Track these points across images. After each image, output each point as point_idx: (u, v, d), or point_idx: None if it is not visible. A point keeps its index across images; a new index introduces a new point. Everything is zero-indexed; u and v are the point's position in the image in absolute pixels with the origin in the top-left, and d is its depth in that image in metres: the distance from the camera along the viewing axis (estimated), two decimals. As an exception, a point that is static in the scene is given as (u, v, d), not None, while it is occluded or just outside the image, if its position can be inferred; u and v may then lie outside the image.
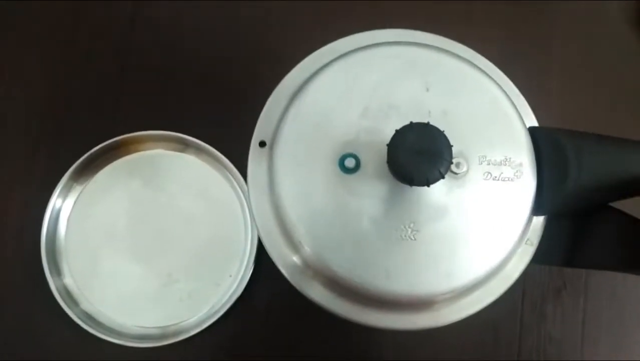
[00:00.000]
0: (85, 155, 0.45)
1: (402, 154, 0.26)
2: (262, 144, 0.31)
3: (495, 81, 0.32)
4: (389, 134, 0.26)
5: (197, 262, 0.45)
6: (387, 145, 0.26)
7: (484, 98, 0.31)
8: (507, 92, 0.32)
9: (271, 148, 0.30)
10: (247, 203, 0.45)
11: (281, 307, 0.45)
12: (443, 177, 0.26)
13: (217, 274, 0.45)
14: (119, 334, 0.43)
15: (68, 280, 0.44)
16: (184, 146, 0.46)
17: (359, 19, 0.50)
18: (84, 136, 0.46)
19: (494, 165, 0.30)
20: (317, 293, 0.30)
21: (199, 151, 0.46)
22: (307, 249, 0.29)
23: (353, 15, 0.51)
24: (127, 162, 0.46)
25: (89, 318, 0.43)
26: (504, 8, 0.52)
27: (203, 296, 0.44)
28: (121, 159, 0.46)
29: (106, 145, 0.45)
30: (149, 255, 0.45)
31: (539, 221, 0.32)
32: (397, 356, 0.45)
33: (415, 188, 0.28)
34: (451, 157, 0.26)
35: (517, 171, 0.30)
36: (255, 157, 0.31)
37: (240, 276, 0.44)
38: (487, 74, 0.32)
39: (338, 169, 0.29)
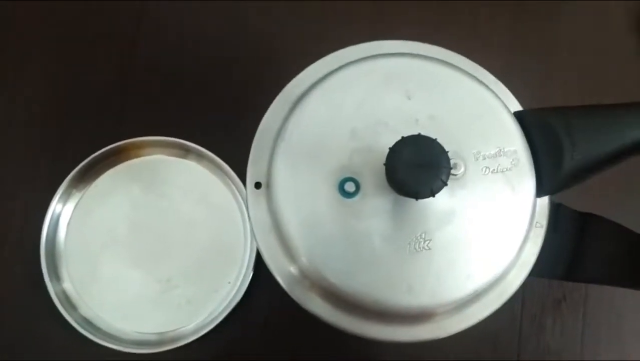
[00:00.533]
0: (86, 160, 0.45)
1: (401, 171, 0.26)
2: (257, 185, 0.31)
3: (471, 75, 0.32)
4: (382, 150, 0.26)
5: (197, 268, 0.45)
6: (385, 164, 0.26)
7: (465, 94, 0.31)
8: (486, 83, 0.32)
9: (268, 188, 0.30)
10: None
11: (280, 314, 0.45)
12: (446, 185, 0.26)
13: (216, 281, 0.44)
14: (117, 339, 0.43)
15: (67, 285, 0.44)
16: (185, 152, 0.47)
17: (361, 27, 0.50)
18: (86, 140, 0.46)
19: (490, 158, 0.30)
20: (327, 312, 0.30)
21: (199, 157, 0.46)
22: (328, 281, 0.28)
23: (355, 22, 0.51)
24: (128, 167, 0.46)
25: (88, 323, 0.43)
26: (508, 15, 0.52)
27: (202, 302, 0.44)
28: (122, 164, 0.46)
29: (107, 150, 0.45)
30: (149, 261, 0.45)
31: (544, 202, 0.32)
32: (396, 364, 0.45)
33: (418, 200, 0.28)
34: (449, 163, 0.26)
35: (513, 159, 0.30)
36: (254, 200, 0.31)
37: (239, 283, 0.44)
38: (462, 70, 0.32)
39: (339, 195, 0.29)
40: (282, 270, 0.30)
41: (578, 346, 0.46)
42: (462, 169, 0.30)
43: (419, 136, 0.26)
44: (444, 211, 0.29)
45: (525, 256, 0.31)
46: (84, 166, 0.45)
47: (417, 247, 0.29)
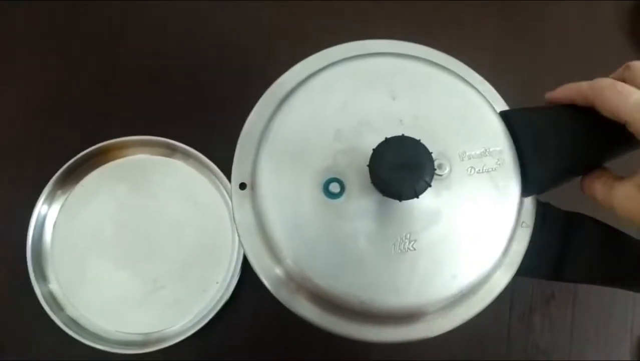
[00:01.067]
0: (72, 160, 0.45)
1: (384, 172, 0.26)
2: (242, 186, 0.30)
3: (457, 74, 0.32)
4: (366, 151, 0.26)
5: (184, 268, 0.44)
6: (368, 165, 0.26)
7: (450, 93, 0.31)
8: (472, 82, 0.32)
9: (252, 189, 0.30)
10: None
11: (267, 314, 0.45)
12: (430, 186, 0.26)
13: (203, 281, 0.44)
14: (103, 340, 0.43)
15: (53, 286, 0.44)
16: (171, 151, 0.46)
17: (347, 27, 0.50)
18: (71, 140, 0.46)
19: (475, 158, 0.30)
20: (313, 314, 0.30)
21: (186, 156, 0.46)
22: (313, 283, 0.28)
23: (342, 22, 0.51)
24: (114, 167, 0.46)
25: (74, 323, 0.43)
26: (494, 14, 0.52)
27: (189, 303, 0.44)
28: (108, 164, 0.46)
29: (93, 150, 0.45)
30: (135, 261, 0.44)
31: (530, 202, 0.32)
32: (384, 362, 0.45)
33: (403, 201, 0.28)
34: (433, 164, 0.26)
35: (498, 159, 0.30)
36: (239, 201, 0.30)
37: (226, 283, 0.44)
38: (448, 69, 0.32)
39: (324, 196, 0.29)
40: (267, 272, 0.30)
41: (567, 345, 0.46)
42: (447, 170, 0.29)
43: (402, 136, 0.26)
44: (429, 211, 0.29)
45: (511, 255, 0.31)
46: (69, 166, 0.45)
47: (402, 248, 0.29)
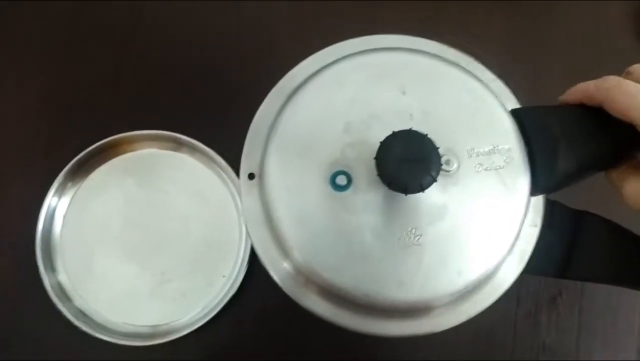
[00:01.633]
0: (81, 154, 0.45)
1: (391, 165, 0.26)
2: (251, 176, 0.31)
3: (468, 71, 0.31)
4: (374, 144, 0.26)
5: (191, 261, 0.45)
6: (375, 158, 0.26)
7: (461, 90, 0.31)
8: (483, 80, 0.31)
9: (261, 179, 0.30)
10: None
11: (274, 307, 0.45)
12: (436, 180, 0.26)
13: (210, 274, 0.45)
14: (111, 332, 0.43)
15: (62, 277, 0.44)
16: (178, 146, 0.46)
17: (355, 24, 0.50)
18: (80, 135, 0.46)
19: (484, 155, 0.30)
20: (321, 308, 0.30)
21: (193, 150, 0.46)
22: (318, 274, 0.28)
23: (350, 19, 0.51)
24: (122, 161, 0.46)
25: (82, 315, 0.44)
26: (504, 10, 0.52)
27: (196, 296, 0.44)
28: (116, 158, 0.46)
29: (101, 144, 0.45)
30: (143, 254, 0.45)
31: (538, 201, 0.32)
32: (391, 360, 0.45)
33: (409, 195, 0.27)
34: (440, 158, 0.26)
35: (507, 157, 0.30)
36: (247, 192, 0.31)
37: (234, 277, 0.44)
38: (459, 65, 0.31)
39: (330, 188, 0.29)
40: (274, 263, 0.30)
41: (573, 343, 0.45)
42: (455, 166, 0.29)
43: (410, 130, 0.26)
44: (435, 206, 0.29)
45: (518, 254, 0.31)
46: (78, 160, 0.45)
47: (407, 242, 0.28)
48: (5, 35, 0.50)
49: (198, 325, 0.43)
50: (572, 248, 0.36)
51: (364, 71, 0.31)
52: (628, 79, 0.29)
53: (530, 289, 0.46)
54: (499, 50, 0.50)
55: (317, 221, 0.29)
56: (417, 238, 0.29)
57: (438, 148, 0.26)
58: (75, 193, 0.46)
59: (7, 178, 0.47)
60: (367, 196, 0.29)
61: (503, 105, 0.31)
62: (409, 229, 0.29)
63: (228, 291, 0.44)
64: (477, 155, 0.30)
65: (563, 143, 0.30)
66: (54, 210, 0.45)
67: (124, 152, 0.46)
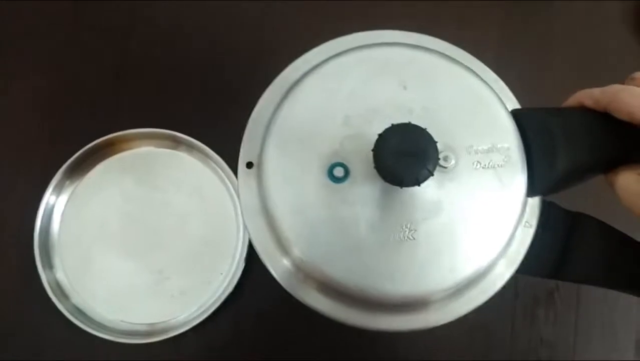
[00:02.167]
0: (79, 152, 0.45)
1: (388, 158, 0.26)
2: (249, 165, 0.31)
3: (471, 69, 0.32)
4: (373, 138, 0.26)
5: (189, 259, 0.45)
6: (372, 150, 0.26)
7: (462, 88, 0.31)
8: (485, 79, 0.32)
9: (259, 168, 0.30)
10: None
11: (271, 305, 0.45)
12: (432, 175, 0.26)
13: (208, 272, 0.45)
14: (108, 329, 0.43)
15: (60, 275, 0.45)
16: (176, 144, 0.47)
17: (355, 22, 0.50)
18: (78, 133, 0.47)
19: (482, 153, 0.30)
20: (314, 300, 0.30)
21: (191, 148, 0.46)
22: (312, 265, 0.28)
23: (349, 17, 0.51)
24: (120, 159, 0.46)
25: (80, 312, 0.44)
26: (501, 9, 0.52)
27: (194, 294, 0.44)
28: (114, 156, 0.46)
29: (100, 142, 0.46)
30: (141, 252, 0.45)
31: (534, 202, 0.32)
32: (389, 356, 0.45)
33: (406, 188, 0.27)
34: (437, 153, 0.26)
35: (505, 156, 0.30)
36: (244, 179, 0.31)
37: (231, 275, 0.44)
38: (461, 64, 0.32)
39: (328, 180, 0.29)
40: (270, 255, 0.30)
41: (571, 337, 0.45)
42: (453, 162, 0.29)
43: (408, 124, 0.26)
44: (431, 202, 0.29)
45: (512, 254, 0.31)
46: (77, 157, 0.45)
47: (401, 237, 0.29)
48: (6, 34, 0.51)
49: (195, 322, 0.43)
50: (565, 250, 0.36)
51: (366, 65, 0.31)
52: (631, 84, 0.29)
53: (527, 283, 0.46)
54: (495, 48, 0.50)
55: (314, 211, 0.29)
56: (411, 233, 0.29)
57: (436, 143, 0.26)
58: (73, 190, 0.46)
59: (6, 176, 0.47)
60: (364, 188, 0.29)
61: (504, 105, 0.31)
62: (404, 223, 0.29)
63: (225, 289, 0.44)
64: (476, 152, 0.30)
65: (562, 145, 0.30)
66: (52, 208, 0.45)
67: (122, 150, 0.47)
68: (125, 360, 0.44)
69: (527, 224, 0.32)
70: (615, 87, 0.29)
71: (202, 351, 0.44)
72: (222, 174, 0.46)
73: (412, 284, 0.29)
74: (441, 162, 0.29)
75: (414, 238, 0.29)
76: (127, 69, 0.50)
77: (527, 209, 0.31)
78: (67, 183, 0.46)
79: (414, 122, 0.26)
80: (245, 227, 0.31)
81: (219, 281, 0.44)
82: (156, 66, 0.50)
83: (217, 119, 0.48)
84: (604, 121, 0.30)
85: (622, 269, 0.35)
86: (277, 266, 0.30)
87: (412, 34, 0.34)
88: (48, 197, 0.45)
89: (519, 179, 0.30)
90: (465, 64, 0.32)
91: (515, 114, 0.31)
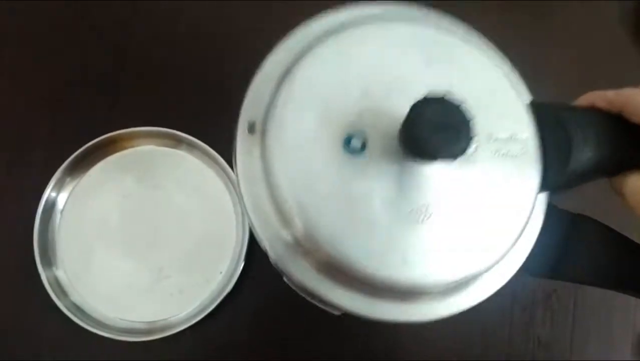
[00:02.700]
0: (80, 150, 0.45)
1: (423, 129, 0.24)
2: (251, 129, 0.28)
3: (491, 58, 0.31)
4: (395, 113, 0.25)
5: (189, 258, 0.45)
6: (404, 121, 0.25)
7: (485, 75, 0.30)
8: (503, 69, 0.31)
9: (263, 134, 0.28)
10: (239, 199, 0.45)
11: (270, 304, 0.45)
12: (466, 151, 0.25)
13: (208, 271, 0.45)
14: (107, 327, 0.43)
15: (59, 272, 0.45)
16: (177, 143, 0.47)
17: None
18: (79, 131, 0.47)
19: (502, 142, 0.29)
20: (309, 279, 0.28)
21: (191, 147, 0.46)
22: (315, 241, 0.27)
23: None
24: (121, 157, 0.47)
25: (79, 310, 0.44)
26: (498, 13, 0.52)
27: (193, 292, 0.44)
28: (115, 154, 0.47)
29: (100, 140, 0.46)
30: (141, 250, 0.45)
31: (540, 203, 0.31)
32: (387, 356, 0.45)
33: (425, 169, 0.27)
34: (472, 130, 0.25)
35: (523, 147, 0.29)
36: (244, 145, 0.28)
37: (230, 274, 0.44)
38: (483, 50, 0.31)
39: (342, 151, 0.27)
40: (265, 221, 0.28)
41: (568, 338, 0.46)
42: (474, 147, 0.28)
43: (443, 97, 0.25)
44: (449, 185, 0.28)
45: (517, 251, 0.31)
46: (77, 155, 0.45)
47: (417, 218, 0.27)
48: (7, 29, 0.51)
49: (195, 320, 0.43)
50: (564, 250, 0.36)
51: (391, 37, 0.30)
52: None
53: (526, 284, 0.46)
54: (495, 44, 0.50)
55: (324, 182, 0.27)
56: (427, 215, 0.27)
57: (471, 120, 0.25)
58: (74, 188, 0.46)
59: (7, 173, 0.47)
60: (381, 164, 0.27)
61: (522, 96, 0.31)
62: (420, 205, 0.27)
63: (225, 287, 0.44)
64: (495, 140, 0.29)
65: (577, 142, 0.30)
66: (52, 205, 0.45)
67: (123, 148, 0.47)
68: (124, 358, 0.44)
69: (532, 222, 0.32)
70: (630, 90, 0.29)
71: (201, 350, 0.44)
72: (223, 173, 0.46)
73: (423, 269, 0.28)
74: None
75: (429, 220, 0.27)
76: (129, 68, 0.50)
77: (536, 207, 0.31)
78: (68, 180, 0.46)
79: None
80: (240, 197, 0.29)
81: (218, 279, 0.44)
82: (157, 65, 0.50)
83: (219, 119, 0.48)
84: (617, 122, 0.30)
85: (621, 270, 0.35)
86: (273, 238, 0.28)
87: (437, 14, 0.33)
88: (48, 194, 0.45)
89: (534, 172, 0.29)
90: (487, 51, 0.32)
91: (533, 106, 0.31)
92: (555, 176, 0.30)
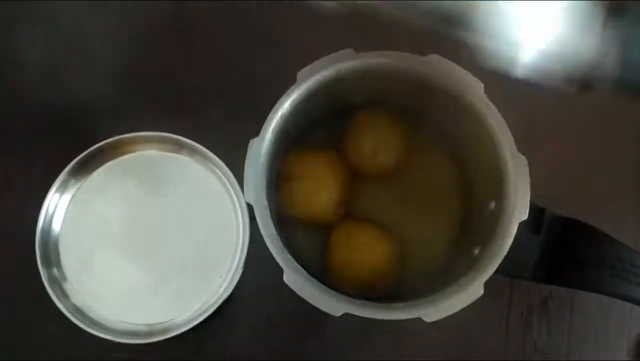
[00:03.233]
0: (82, 154, 0.46)
1: None
2: None
3: None
4: None
5: (189, 262, 0.45)
6: None
7: None
8: None
9: None
10: (238, 203, 0.46)
11: (270, 306, 0.46)
12: None
13: (207, 274, 0.45)
14: (108, 329, 0.44)
15: (60, 274, 0.45)
16: (179, 147, 0.47)
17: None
18: (82, 135, 0.47)
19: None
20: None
21: (193, 152, 0.47)
22: None
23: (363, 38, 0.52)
24: (123, 162, 0.47)
25: (79, 311, 0.44)
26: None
27: (193, 295, 0.45)
28: (117, 159, 0.47)
29: (102, 145, 0.46)
30: (142, 254, 0.45)
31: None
32: (385, 357, 0.46)
33: None
34: None
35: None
36: None
37: (230, 277, 0.45)
38: None
39: None
40: None
41: (564, 345, 0.46)
42: None
43: None
44: None
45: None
46: (79, 160, 0.46)
47: None
48: (10, 30, 0.51)
49: (194, 323, 0.43)
50: (558, 254, 0.37)
51: None
52: None
53: (522, 290, 0.47)
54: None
55: None
56: None
57: None
58: (76, 191, 0.46)
59: (9, 176, 0.48)
60: None
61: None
62: None
63: (224, 291, 0.44)
64: None
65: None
66: (54, 209, 0.46)
67: (125, 153, 0.47)
68: (125, 360, 0.44)
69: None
70: None
71: (200, 352, 0.45)
72: (224, 179, 0.46)
73: None
74: None
75: None
76: (131, 72, 0.51)
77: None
78: (71, 183, 0.46)
79: None
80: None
81: (218, 282, 0.45)
82: (159, 70, 0.51)
83: (222, 124, 0.49)
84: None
85: (613, 274, 0.36)
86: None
87: None
88: (50, 198, 0.45)
89: None
90: None
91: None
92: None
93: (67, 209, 0.46)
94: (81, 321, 0.43)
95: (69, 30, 0.52)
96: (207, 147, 0.46)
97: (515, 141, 0.36)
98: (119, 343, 0.43)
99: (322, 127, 0.46)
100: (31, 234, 0.44)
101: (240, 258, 0.45)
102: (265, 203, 0.38)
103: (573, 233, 0.38)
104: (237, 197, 0.46)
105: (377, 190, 0.45)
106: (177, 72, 0.51)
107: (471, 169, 0.44)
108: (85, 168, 0.47)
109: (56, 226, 0.46)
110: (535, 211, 0.37)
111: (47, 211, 0.45)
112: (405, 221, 0.44)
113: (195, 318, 0.43)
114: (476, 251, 0.37)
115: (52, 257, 0.45)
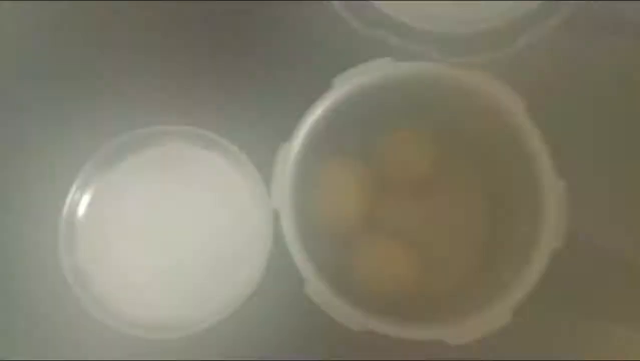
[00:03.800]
0: (106, 147, 0.45)
1: None
2: None
3: None
4: None
5: (210, 259, 0.45)
6: None
7: None
8: None
9: None
10: (264, 206, 0.45)
11: (286, 315, 0.46)
12: None
13: (228, 273, 0.45)
14: (126, 323, 0.44)
15: (81, 264, 0.45)
16: (206, 144, 0.47)
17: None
18: (106, 128, 0.47)
19: None
20: None
21: (221, 150, 0.46)
22: None
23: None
24: (149, 155, 0.47)
25: (99, 304, 0.44)
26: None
27: (213, 293, 0.44)
28: (143, 152, 0.47)
29: (127, 138, 0.46)
30: (163, 249, 0.45)
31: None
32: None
33: None
34: None
35: None
36: None
37: (249, 281, 0.44)
38: None
39: None
40: None
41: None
42: None
43: None
44: None
45: None
46: (103, 153, 0.46)
47: None
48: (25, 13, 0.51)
49: (212, 321, 0.43)
50: None
51: None
52: None
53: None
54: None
55: None
56: None
57: None
58: (100, 185, 0.46)
59: (34, 168, 0.48)
60: None
61: None
62: None
63: (243, 291, 0.44)
64: None
65: None
66: (78, 201, 0.46)
67: (152, 146, 0.47)
68: (138, 354, 0.44)
69: None
70: None
71: (217, 351, 0.45)
72: (251, 181, 0.46)
73: None
74: None
75: None
76: (155, 65, 0.50)
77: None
78: (94, 176, 0.46)
79: None
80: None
81: (238, 283, 0.44)
82: (186, 63, 0.50)
83: (254, 126, 0.48)
84: None
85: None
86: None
87: None
88: (74, 190, 0.45)
89: None
90: None
91: None
92: None
93: (89, 204, 0.46)
94: (100, 314, 0.43)
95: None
96: (236, 146, 0.45)
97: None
98: (135, 337, 0.43)
99: (354, 137, 0.45)
100: (54, 226, 0.44)
101: (261, 262, 0.45)
102: (292, 209, 0.38)
103: None
104: (263, 200, 0.45)
105: (406, 206, 0.45)
106: (211, 68, 0.50)
107: (504, 192, 0.43)
108: (108, 162, 0.46)
109: (78, 219, 0.46)
110: None
111: (70, 205, 0.45)
112: (431, 239, 0.43)
113: (214, 316, 0.43)
114: (505, 275, 0.37)
115: (73, 248, 0.45)
